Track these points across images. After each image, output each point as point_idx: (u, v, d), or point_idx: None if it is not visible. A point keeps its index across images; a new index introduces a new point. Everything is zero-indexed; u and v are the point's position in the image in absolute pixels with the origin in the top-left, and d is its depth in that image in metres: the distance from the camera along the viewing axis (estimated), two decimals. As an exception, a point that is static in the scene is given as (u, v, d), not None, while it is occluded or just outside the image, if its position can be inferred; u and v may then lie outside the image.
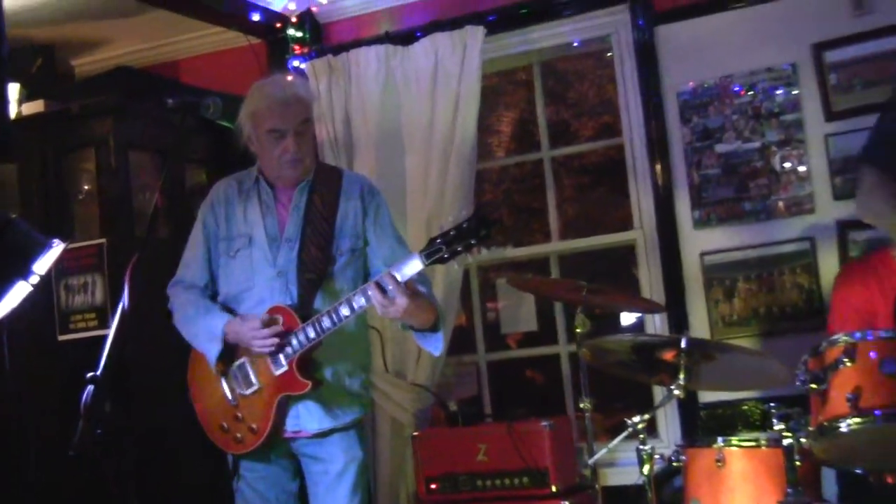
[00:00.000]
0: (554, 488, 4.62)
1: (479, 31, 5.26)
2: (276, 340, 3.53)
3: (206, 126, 5.21)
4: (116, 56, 6.15)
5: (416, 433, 5.02)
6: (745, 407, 4.98)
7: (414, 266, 3.33)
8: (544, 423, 4.69)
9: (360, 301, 3.43)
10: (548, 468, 4.63)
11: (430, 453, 4.88)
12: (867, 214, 2.55)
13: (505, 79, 6.65)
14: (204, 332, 3.70)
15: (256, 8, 5.59)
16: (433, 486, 4.82)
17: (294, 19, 5.77)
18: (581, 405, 4.28)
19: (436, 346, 3.68)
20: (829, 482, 4.07)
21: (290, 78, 4.03)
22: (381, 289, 3.33)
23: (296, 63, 5.70)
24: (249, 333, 3.56)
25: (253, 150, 3.80)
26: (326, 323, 3.48)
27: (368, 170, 5.34)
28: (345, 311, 3.45)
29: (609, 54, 5.55)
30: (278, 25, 5.76)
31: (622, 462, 5.07)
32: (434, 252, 3.27)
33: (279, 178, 3.77)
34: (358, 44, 5.56)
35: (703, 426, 5.05)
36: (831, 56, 4.95)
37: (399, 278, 3.33)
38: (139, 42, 6.12)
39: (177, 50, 6.24)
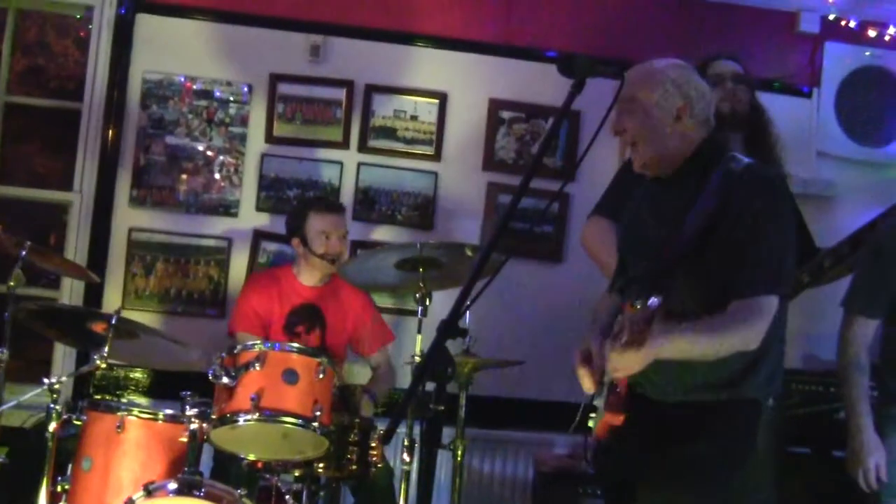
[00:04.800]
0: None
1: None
2: None
3: None
4: None
5: None
6: (138, 374, 5.05)
7: None
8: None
9: None
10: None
11: None
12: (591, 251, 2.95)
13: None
14: None
15: None
16: None
17: None
18: (-2, 354, 4.05)
19: None
20: (207, 456, 4.31)
21: None
22: None
23: None
24: None
25: None
26: None
27: None
28: None
29: (90, 25, 5.24)
30: None
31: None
32: None
33: None
34: None
35: (96, 384, 5.02)
36: (283, 88, 5.16)
37: None
38: None
39: None
